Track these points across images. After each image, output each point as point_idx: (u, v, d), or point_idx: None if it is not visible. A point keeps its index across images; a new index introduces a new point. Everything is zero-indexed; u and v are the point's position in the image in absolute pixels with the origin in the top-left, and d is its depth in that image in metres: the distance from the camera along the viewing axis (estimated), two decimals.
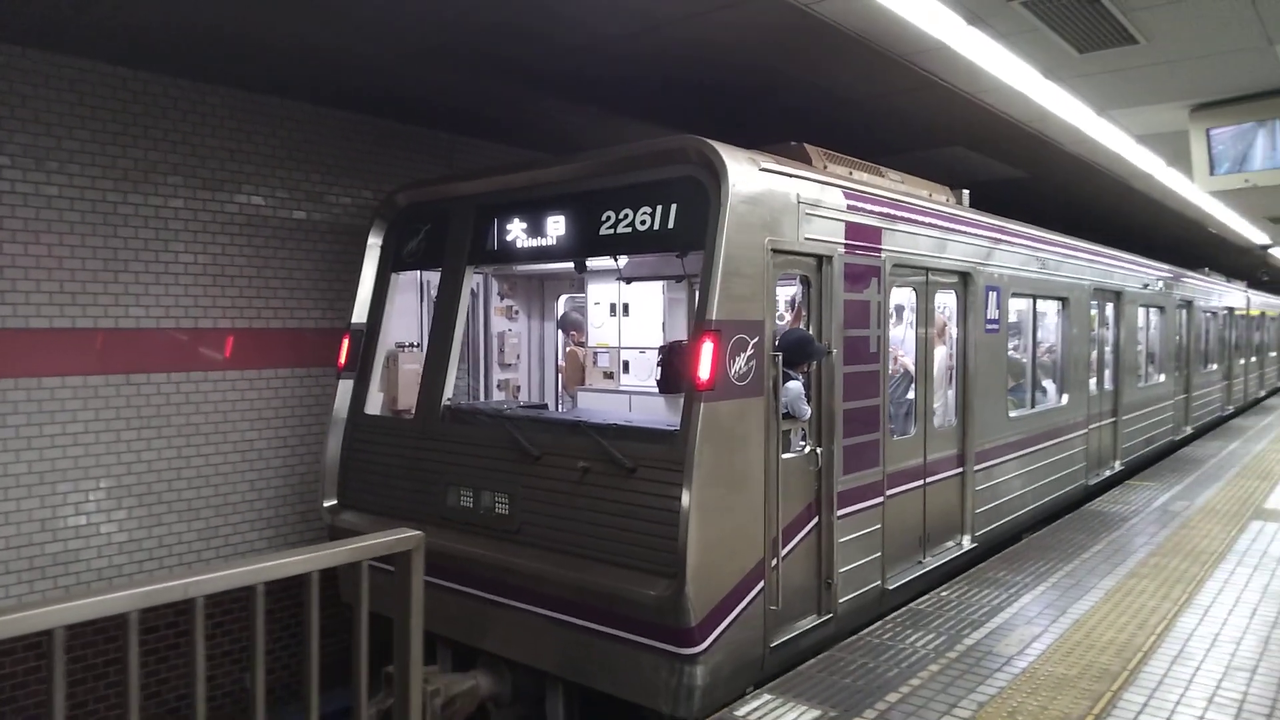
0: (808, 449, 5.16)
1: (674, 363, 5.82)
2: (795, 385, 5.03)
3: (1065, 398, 8.93)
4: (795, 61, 5.92)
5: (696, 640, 4.20)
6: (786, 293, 6.06)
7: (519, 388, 7.45)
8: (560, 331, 7.64)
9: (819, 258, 5.22)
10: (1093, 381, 9.74)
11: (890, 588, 5.72)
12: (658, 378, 6.06)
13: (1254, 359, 20.97)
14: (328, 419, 6.18)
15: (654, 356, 6.28)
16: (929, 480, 6.37)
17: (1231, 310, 17.77)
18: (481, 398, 6.92)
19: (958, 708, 4.01)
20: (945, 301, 7.00)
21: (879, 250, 5.71)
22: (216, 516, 6.38)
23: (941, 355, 6.91)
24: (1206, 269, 16.56)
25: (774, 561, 4.67)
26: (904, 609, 5.43)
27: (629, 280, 6.48)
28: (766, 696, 4.16)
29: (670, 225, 4.83)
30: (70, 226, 5.63)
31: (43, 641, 1.60)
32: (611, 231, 5.09)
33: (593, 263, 5.80)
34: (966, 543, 6.79)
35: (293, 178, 6.76)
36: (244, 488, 6.53)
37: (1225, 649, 4.73)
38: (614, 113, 7.22)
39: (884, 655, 4.65)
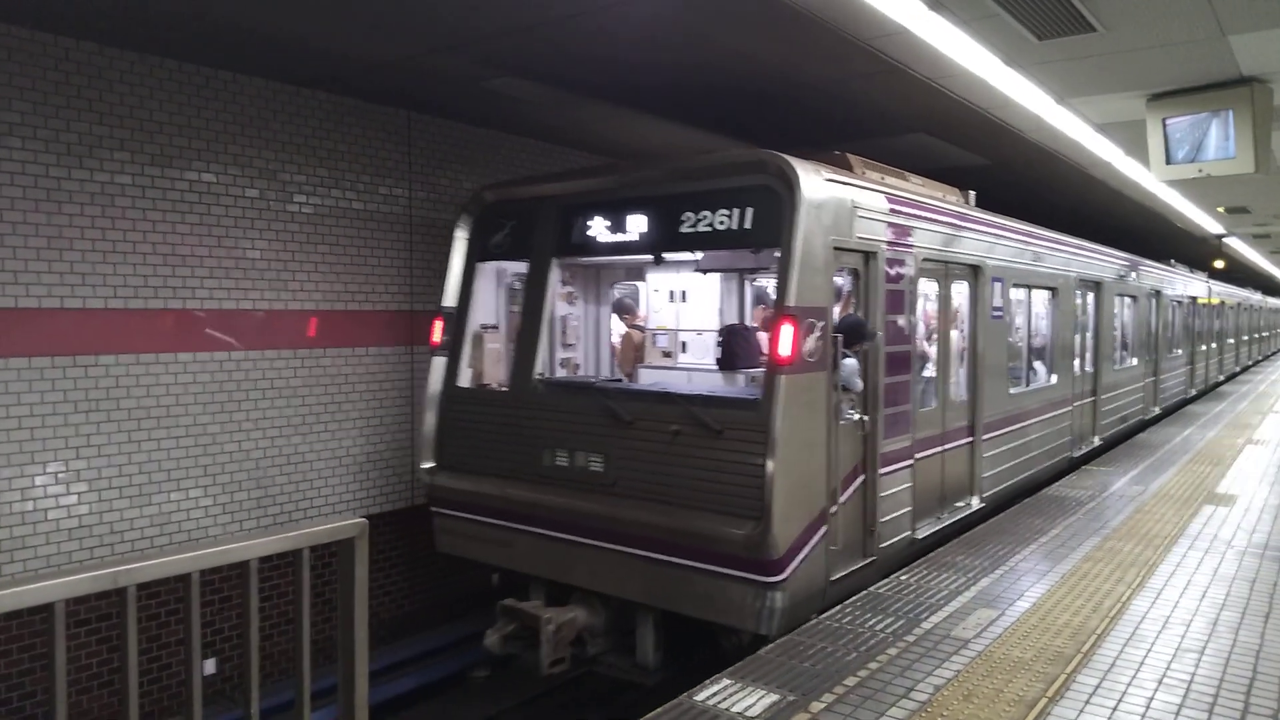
0: (856, 416, 5.98)
1: (733, 344, 6.93)
2: (851, 362, 5.88)
3: (1054, 378, 9.93)
4: (754, 44, 5.88)
5: (778, 571, 5.09)
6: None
7: (578, 365, 8.08)
8: (615, 315, 8.35)
9: (867, 253, 6.07)
10: (1076, 363, 10.70)
11: (918, 537, 6.69)
12: (718, 356, 7.04)
13: (1214, 345, 22.27)
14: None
15: (712, 338, 7.37)
16: (946, 447, 7.31)
17: (1195, 299, 18.84)
18: (546, 374, 7.27)
19: (915, 690, 4.04)
20: (959, 290, 7.79)
21: (911, 247, 6.59)
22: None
23: (955, 338, 7.71)
24: (1172, 260, 17.37)
25: (833, 509, 5.59)
26: (863, 593, 5.47)
27: (705, 271, 7.63)
28: (726, 681, 4.15)
29: (747, 226, 5.66)
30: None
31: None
32: (691, 230, 5.92)
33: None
34: (975, 503, 7.75)
35: None
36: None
37: (1176, 631, 4.81)
38: (571, 91, 7.13)
39: (843, 639, 4.67)
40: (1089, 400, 11.35)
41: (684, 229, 5.96)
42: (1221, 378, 23.66)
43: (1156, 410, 15.04)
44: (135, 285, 6.03)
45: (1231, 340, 26.27)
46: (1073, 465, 10.26)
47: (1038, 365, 9.97)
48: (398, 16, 5.38)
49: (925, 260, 6.80)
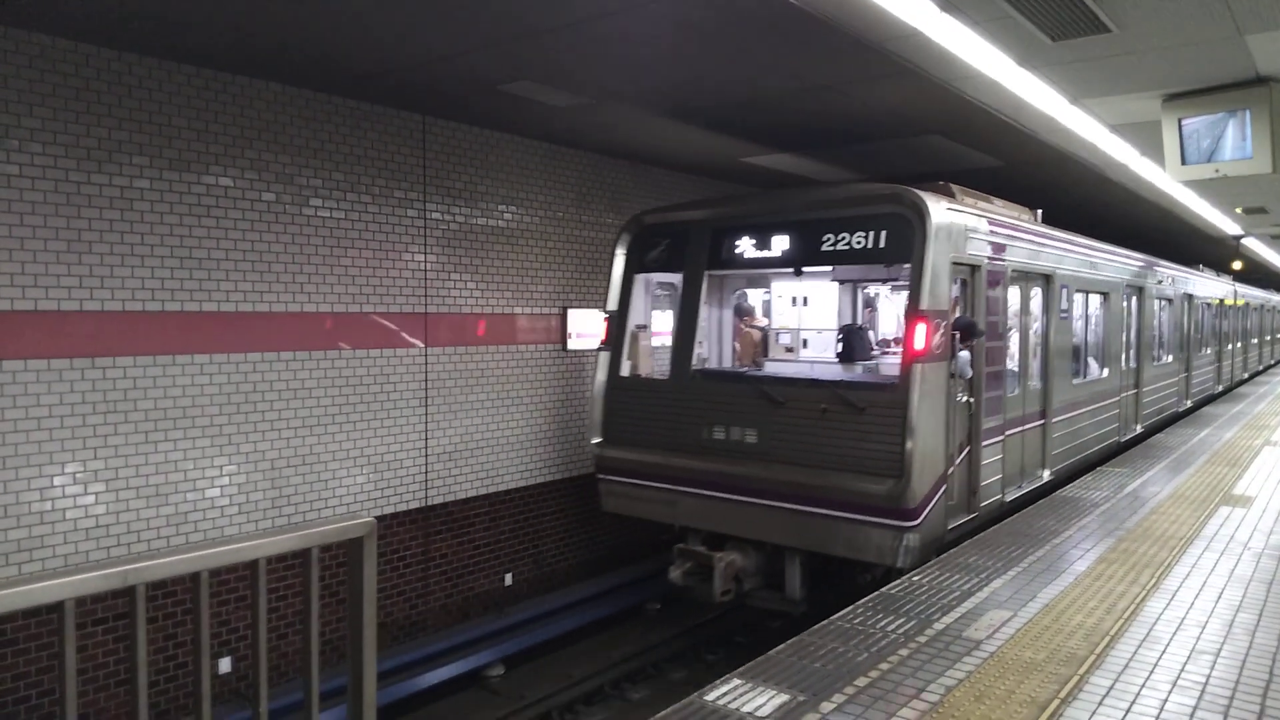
0: (965, 399, 7.21)
1: (851, 340, 8.45)
2: (964, 354, 7.13)
3: (1105, 371, 11.24)
4: (768, 47, 5.89)
5: (913, 518, 6.36)
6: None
7: (705, 359, 9.06)
8: (735, 317, 9.55)
9: (974, 266, 7.31)
10: (1122, 360, 12.00)
11: (1006, 500, 7.91)
12: (838, 351, 8.49)
13: (1239, 344, 23.44)
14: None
15: (830, 337, 8.76)
16: (1026, 427, 8.60)
17: (1221, 301, 20.06)
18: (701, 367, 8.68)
19: (927, 691, 4.03)
20: (1035, 296, 8.97)
21: (1004, 260, 7.85)
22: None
23: (1032, 336, 8.95)
24: (1200, 265, 18.65)
25: (950, 470, 6.83)
26: (875, 594, 5.46)
27: (842, 282, 9.20)
28: (736, 681, 4.15)
29: (882, 245, 6.92)
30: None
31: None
32: (831, 248, 7.21)
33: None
34: (1046, 475, 9.02)
35: None
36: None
37: (1191, 632, 4.78)
38: (587, 95, 7.16)
39: (854, 640, 4.66)
40: (1133, 392, 12.63)
41: (824, 247, 7.25)
42: (1246, 375, 24.69)
43: (1189, 404, 16.30)
44: (153, 288, 6.10)
45: (1255, 340, 27.52)
46: (1120, 449, 11.47)
47: (1092, 361, 11.05)
48: (414, 22, 5.42)
49: (1014, 271, 8.14)
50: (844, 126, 8.21)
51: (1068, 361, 9.76)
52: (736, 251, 7.80)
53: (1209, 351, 18.70)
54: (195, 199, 6.33)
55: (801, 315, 9.19)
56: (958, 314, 7.16)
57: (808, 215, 7.39)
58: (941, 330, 6.61)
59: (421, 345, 7.80)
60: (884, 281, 9.22)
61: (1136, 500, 8.14)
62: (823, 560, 7.19)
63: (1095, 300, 11.02)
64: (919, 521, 6.41)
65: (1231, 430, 13.13)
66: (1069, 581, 5.67)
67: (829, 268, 8.16)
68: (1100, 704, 3.89)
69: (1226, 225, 15.62)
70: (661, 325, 9.38)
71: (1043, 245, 8.87)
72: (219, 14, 5.27)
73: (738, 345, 9.47)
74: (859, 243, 7.06)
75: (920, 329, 6.44)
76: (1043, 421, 9.03)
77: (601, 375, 8.27)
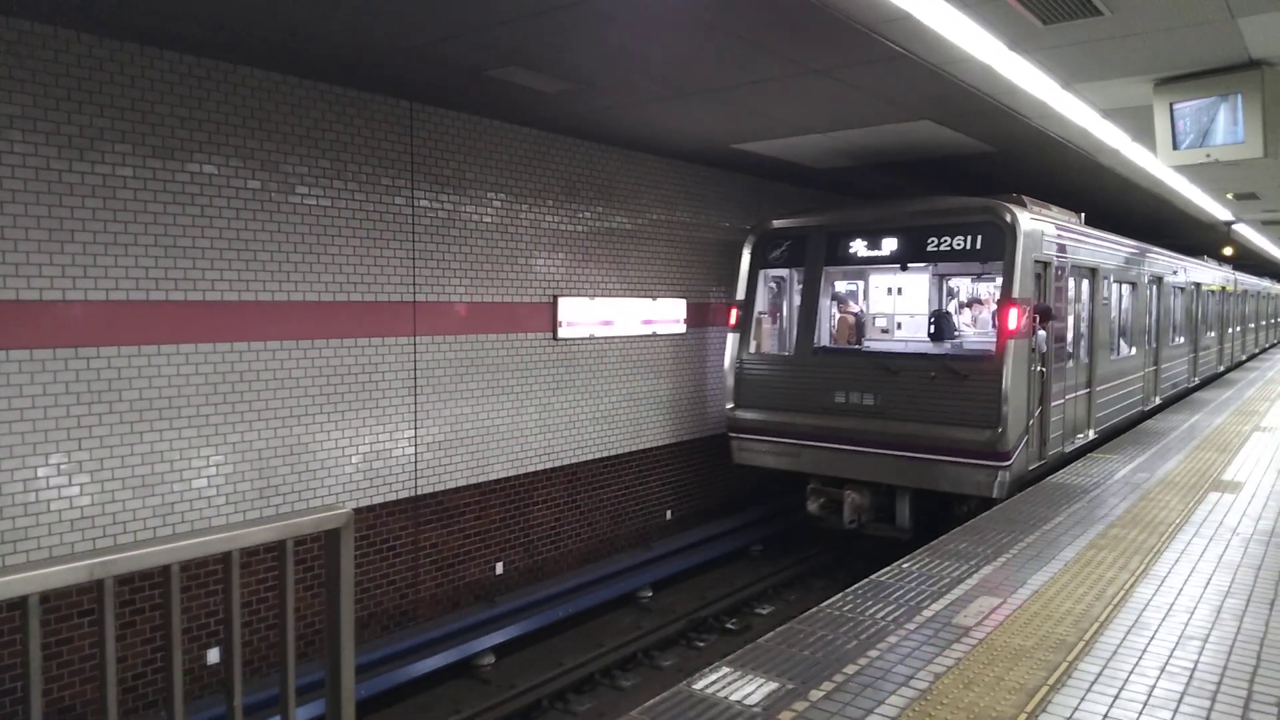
0: (1039, 369, 8.94)
1: (940, 323, 10.72)
2: (1041, 333, 8.87)
3: (1133, 349, 13.06)
4: (758, 29, 5.83)
5: (1007, 459, 8.21)
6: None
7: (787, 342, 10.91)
8: (833, 304, 11.09)
9: (1046, 263, 9.06)
10: (1145, 340, 13.86)
11: (1065, 451, 9.78)
12: (930, 331, 10.80)
13: (1238, 329, 25.85)
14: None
15: (923, 320, 11.27)
16: (1077, 394, 10.39)
17: (1223, 288, 22.29)
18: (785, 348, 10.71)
19: (915, 678, 4.02)
20: (1084, 286, 10.76)
21: (1066, 257, 9.67)
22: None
23: (1083, 319, 10.77)
24: (1205, 256, 20.52)
25: (1030, 424, 8.63)
26: (865, 580, 5.46)
27: (942, 276, 11.81)
28: (725, 670, 4.14)
29: (979, 247, 8.78)
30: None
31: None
32: (934, 249, 9.11)
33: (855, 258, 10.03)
34: (1091, 434, 10.86)
35: None
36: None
37: (1179, 618, 4.78)
38: (576, 81, 7.09)
39: (843, 627, 4.66)
40: (1153, 368, 14.52)
41: (929, 248, 9.13)
42: (1244, 356, 27.25)
43: (1196, 380, 18.36)
44: (136, 277, 6.04)
45: (1253, 325, 30.17)
46: (1143, 416, 13.43)
47: (1123, 341, 12.72)
48: (397, 7, 5.35)
49: (1073, 266, 9.92)
50: (835, 111, 8.16)
51: (1107, 341, 11.54)
52: (850, 251, 9.69)
53: (1213, 334, 20.68)
54: (179, 187, 6.25)
55: (896, 303, 11.59)
56: (1036, 301, 8.77)
57: (913, 222, 9.22)
58: (1026, 314, 8.41)
59: (410, 334, 7.75)
60: (978, 276, 11.76)
61: (1127, 486, 8.15)
62: (926, 496, 9.08)
63: (1127, 289, 12.82)
64: (1010, 462, 8.23)
65: (1221, 416, 13.17)
66: (1059, 568, 5.68)
67: (923, 265, 10.42)
68: (1089, 690, 3.89)
69: (1218, 211, 15.61)
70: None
71: (1090, 244, 10.68)
72: (203, 1, 5.20)
73: (835, 329, 11.08)
74: (959, 245, 8.88)
75: (1013, 313, 8.29)
76: (1089, 390, 10.88)
77: (731, 353, 10.23)
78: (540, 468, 9.10)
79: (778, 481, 11.82)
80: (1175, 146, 6.70)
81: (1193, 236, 20.24)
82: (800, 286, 10.36)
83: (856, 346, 10.61)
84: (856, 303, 11.81)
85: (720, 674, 4.10)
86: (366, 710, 6.82)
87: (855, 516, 9.31)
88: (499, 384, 8.60)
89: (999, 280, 9.73)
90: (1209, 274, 19.72)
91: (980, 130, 8.84)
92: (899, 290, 11.64)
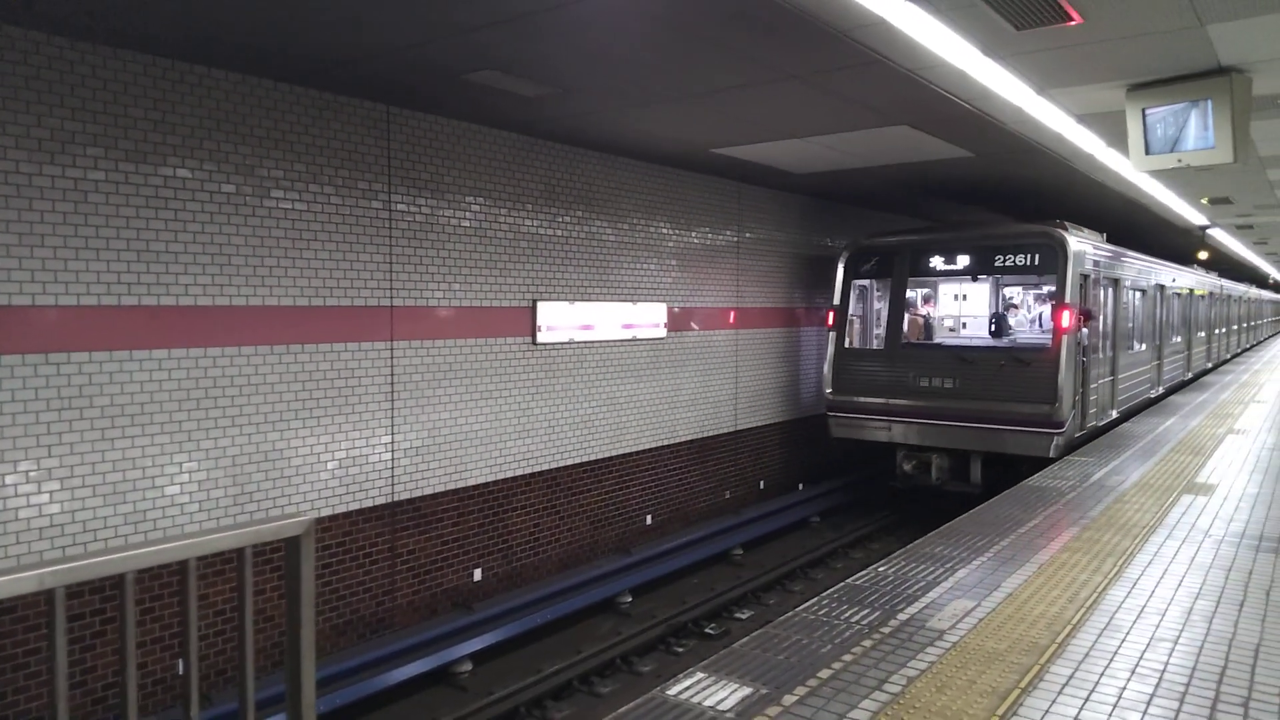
0: (1081, 359, 11.22)
1: (1000, 322, 13.45)
2: (1085, 331, 11.20)
3: (1142, 346, 15.45)
4: (734, 35, 5.84)
5: (1060, 427, 10.53)
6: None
7: (879, 335, 13.03)
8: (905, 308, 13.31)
9: (1086, 276, 11.39)
10: (1151, 338, 16.31)
11: (1098, 425, 12.13)
12: (990, 329, 13.44)
13: (1225, 330, 29.05)
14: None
15: (984, 321, 14.01)
16: (1104, 380, 12.67)
17: (1212, 294, 25.06)
18: (873, 343, 13.13)
19: (889, 682, 4.03)
20: (1110, 293, 12.96)
21: (1100, 270, 12.13)
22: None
23: (1109, 321, 12.94)
24: (1196, 264, 23.63)
25: (1075, 401, 10.94)
26: (841, 584, 5.47)
27: (1005, 285, 14.61)
28: (699, 675, 4.13)
29: (1036, 263, 11.25)
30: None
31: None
32: (1000, 264, 11.59)
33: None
34: (1114, 414, 13.10)
35: None
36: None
37: (1151, 620, 4.82)
38: (555, 86, 7.08)
39: (818, 631, 4.66)
40: (1156, 363, 16.86)
41: (995, 264, 11.61)
42: (1229, 355, 30.18)
43: (1189, 375, 20.72)
44: (109, 282, 5.98)
45: (1237, 326, 33.55)
46: (1150, 402, 15.83)
47: (1136, 339, 14.99)
48: (371, 9, 5.32)
49: (1104, 277, 12.38)
50: (813, 116, 8.19)
51: (1125, 338, 13.91)
52: (930, 265, 12.08)
53: (1202, 334, 23.38)
54: (152, 191, 6.20)
55: (961, 307, 14.63)
56: (1080, 306, 10.96)
57: (983, 242, 11.62)
58: (1073, 315, 10.76)
59: (387, 339, 7.71)
60: (1028, 286, 14.69)
61: (1102, 489, 8.21)
62: (994, 459, 11.34)
63: (1139, 295, 15.19)
64: (1063, 430, 10.59)
65: (1196, 419, 13.30)
66: (1033, 570, 5.71)
67: (990, 276, 13.22)
68: (1060, 693, 3.91)
69: (1193, 216, 15.77)
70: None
71: (1115, 258, 13.10)
72: (174, 3, 5.15)
73: (906, 330, 12.89)
74: (1020, 261, 11.33)
75: (1065, 315, 10.74)
76: (1113, 377, 13.15)
77: (831, 348, 12.48)
78: (519, 473, 9.07)
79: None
80: (1148, 152, 6.77)
81: (1169, 241, 20.47)
82: (880, 294, 12.98)
83: (930, 342, 13.41)
84: (924, 307, 14.50)
85: (694, 679, 4.10)
86: (342, 719, 6.77)
87: (940, 478, 11.63)
88: (477, 389, 8.57)
89: (1044, 289, 13.55)
90: (1200, 280, 22.43)
91: (957, 135, 8.89)
92: (964, 297, 14.56)
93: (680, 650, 8.41)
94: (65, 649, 1.61)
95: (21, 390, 5.59)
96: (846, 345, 12.45)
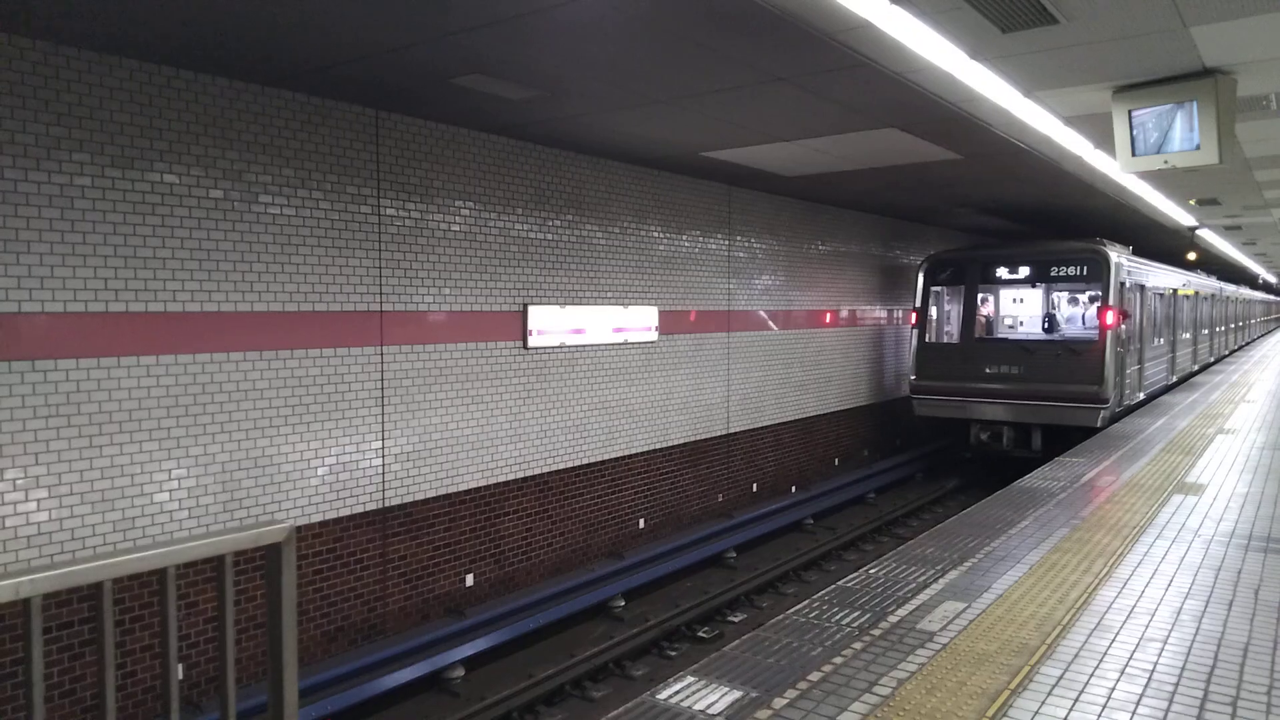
0: (1119, 350, 13.50)
1: (1051, 322, 16.25)
2: (1123, 327, 13.48)
3: (1161, 340, 18.10)
4: (721, 39, 5.85)
5: (1105, 403, 13.21)
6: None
7: (950, 332, 15.62)
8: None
9: (1123, 283, 13.85)
10: (1168, 334, 18.96)
11: (1130, 404, 14.65)
12: (1044, 327, 16.16)
13: (1224, 328, 31.80)
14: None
15: (1039, 319, 16.55)
16: (1134, 368, 15.20)
17: (1213, 295, 27.61)
18: (944, 338, 15.60)
19: (879, 685, 4.03)
20: (1137, 296, 15.25)
21: (1131, 278, 14.51)
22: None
23: (1137, 319, 15.36)
24: (1199, 269, 26.84)
25: (1115, 382, 13.42)
26: (831, 587, 5.46)
27: (1058, 292, 16.89)
28: (689, 679, 4.13)
29: (1084, 273, 13.86)
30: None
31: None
32: (1056, 273, 14.14)
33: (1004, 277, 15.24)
34: (1141, 395, 15.67)
35: None
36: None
37: (1140, 620, 4.83)
38: (543, 89, 7.08)
39: (808, 634, 4.66)
40: (1171, 355, 19.43)
41: (1050, 273, 14.16)
42: (1227, 351, 32.66)
43: (1195, 367, 23.44)
44: (95, 288, 5.95)
45: (1235, 324, 36.54)
46: (1167, 389, 18.44)
47: (1156, 335, 17.42)
48: (358, 13, 5.32)
49: (1134, 283, 14.84)
50: (801, 119, 8.20)
51: (1149, 334, 16.57)
52: (997, 274, 14.69)
53: (1206, 332, 26.21)
54: (139, 196, 6.18)
55: (1019, 309, 17.09)
56: (1119, 307, 13.39)
57: (1040, 256, 14.18)
58: (1115, 315, 13.33)
59: (377, 344, 7.69)
60: (1084, 291, 16.70)
61: (1092, 489, 8.24)
62: (1052, 430, 13.71)
63: (1158, 298, 17.61)
64: (1108, 405, 13.14)
65: (1187, 419, 13.36)
66: (1023, 571, 5.72)
67: (1046, 283, 15.45)
68: (1049, 694, 3.91)
69: (1181, 217, 15.85)
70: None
71: (1141, 268, 15.66)
72: (160, 7, 5.13)
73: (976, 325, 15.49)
74: (1073, 272, 13.92)
75: (1109, 314, 13.35)
76: (1140, 365, 15.64)
77: (914, 342, 15.11)
78: (511, 477, 9.05)
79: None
80: (1134, 153, 6.79)
81: (1159, 241, 20.56)
82: (949, 297, 15.76)
83: (1005, 337, 15.95)
84: (984, 308, 16.78)
85: (685, 683, 4.09)
86: None
87: (1010, 446, 14.19)
88: (468, 394, 8.55)
89: (1088, 294, 16.29)
90: (1206, 284, 25.75)
91: (945, 138, 8.92)
92: (1021, 300, 17.11)
93: (673, 654, 8.40)
94: (42, 658, 1.60)
95: (8, 398, 5.55)
96: (927, 340, 15.07)
